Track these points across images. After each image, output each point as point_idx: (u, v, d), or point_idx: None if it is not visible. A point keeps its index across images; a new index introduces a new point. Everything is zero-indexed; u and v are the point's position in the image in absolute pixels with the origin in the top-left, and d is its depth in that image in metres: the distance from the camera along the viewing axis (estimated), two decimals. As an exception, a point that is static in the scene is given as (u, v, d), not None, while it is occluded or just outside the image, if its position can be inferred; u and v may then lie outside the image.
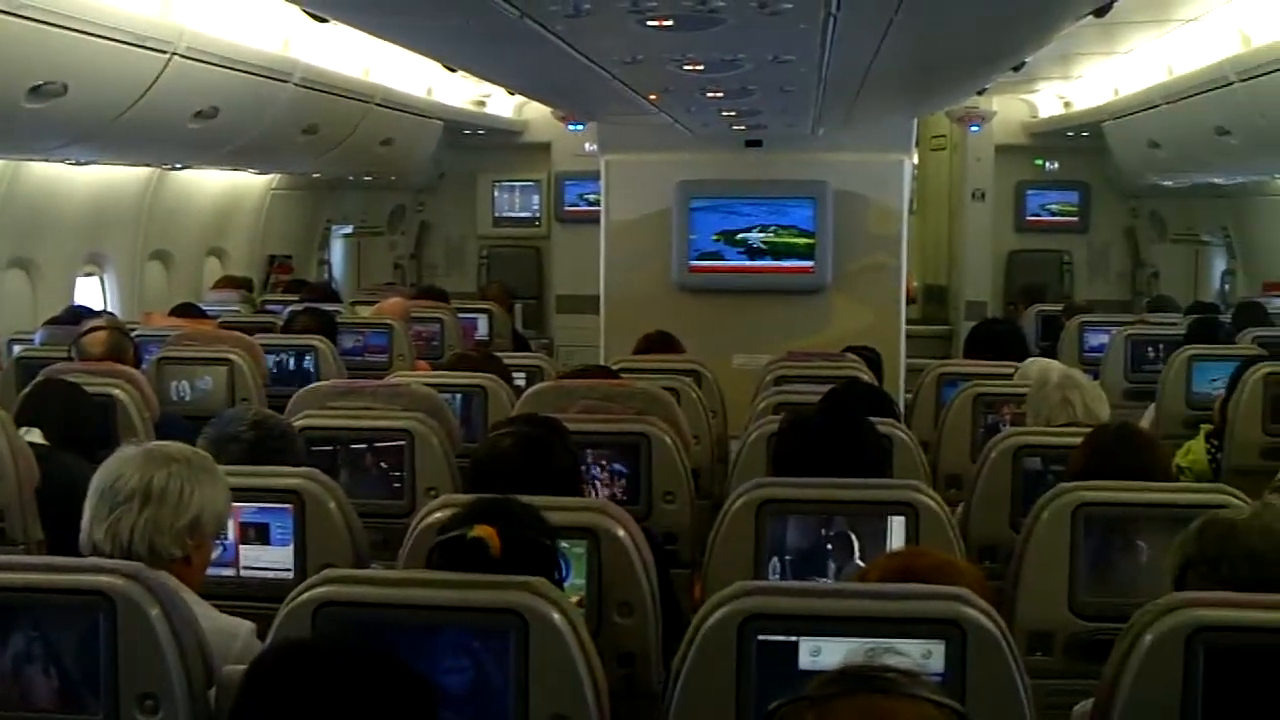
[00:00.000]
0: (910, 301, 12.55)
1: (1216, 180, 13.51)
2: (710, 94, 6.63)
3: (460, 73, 9.40)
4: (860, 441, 4.60)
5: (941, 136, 17.55)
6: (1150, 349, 9.44)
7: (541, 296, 16.90)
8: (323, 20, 5.20)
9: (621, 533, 4.01)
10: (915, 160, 17.32)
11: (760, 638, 2.93)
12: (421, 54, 7.43)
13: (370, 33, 5.69)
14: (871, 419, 5.15)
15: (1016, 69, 7.47)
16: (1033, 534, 4.22)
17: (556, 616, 3.01)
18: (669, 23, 4.15)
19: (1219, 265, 15.80)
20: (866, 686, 2.00)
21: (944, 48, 5.64)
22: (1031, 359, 6.63)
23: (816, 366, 7.69)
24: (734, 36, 4.56)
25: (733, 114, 7.92)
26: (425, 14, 4.51)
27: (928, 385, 7.85)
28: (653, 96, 6.90)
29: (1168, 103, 11.11)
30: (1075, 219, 17.09)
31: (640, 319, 9.54)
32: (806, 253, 10.31)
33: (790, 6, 3.87)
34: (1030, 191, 17.12)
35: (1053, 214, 17.14)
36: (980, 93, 10.18)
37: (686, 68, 5.47)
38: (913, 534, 4.10)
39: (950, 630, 2.88)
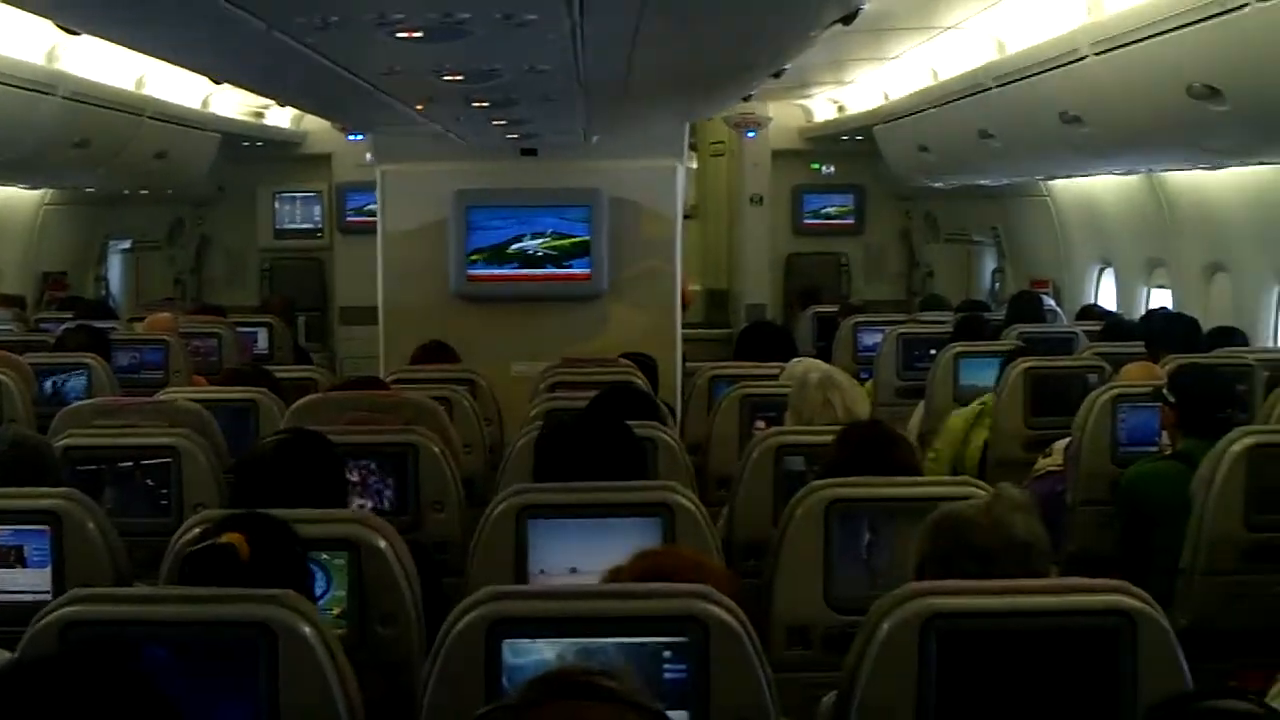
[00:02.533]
0: (685, 306, 12.67)
1: (984, 182, 13.86)
2: (476, 104, 6.64)
3: (228, 85, 9.29)
4: (618, 445, 4.66)
5: (720, 143, 17.76)
6: (920, 348, 9.66)
7: (325, 308, 16.76)
8: (74, 33, 5.12)
9: (382, 543, 4.02)
10: (694, 165, 17.57)
11: (508, 641, 2.97)
12: (180, 66, 7.35)
13: (124, 45, 5.64)
14: (633, 422, 5.24)
15: (777, 75, 7.59)
16: (788, 531, 4.32)
17: (306, 629, 3.02)
18: (418, 34, 4.17)
19: (990, 264, 16.21)
20: (564, 692, 2.02)
21: (696, 56, 5.73)
22: (796, 360, 6.75)
23: (590, 372, 7.75)
24: (487, 47, 4.59)
25: (503, 123, 7.94)
26: (171, 27, 4.48)
27: (699, 388, 7.98)
28: (419, 106, 6.89)
29: (933, 107, 11.38)
30: (851, 221, 17.43)
31: (419, 329, 9.54)
32: (583, 260, 10.38)
33: (535, 18, 3.92)
34: (807, 195, 17.40)
35: (829, 217, 17.44)
36: (747, 98, 10.33)
37: (446, 78, 5.49)
38: (669, 534, 4.16)
39: (693, 627, 2.94)
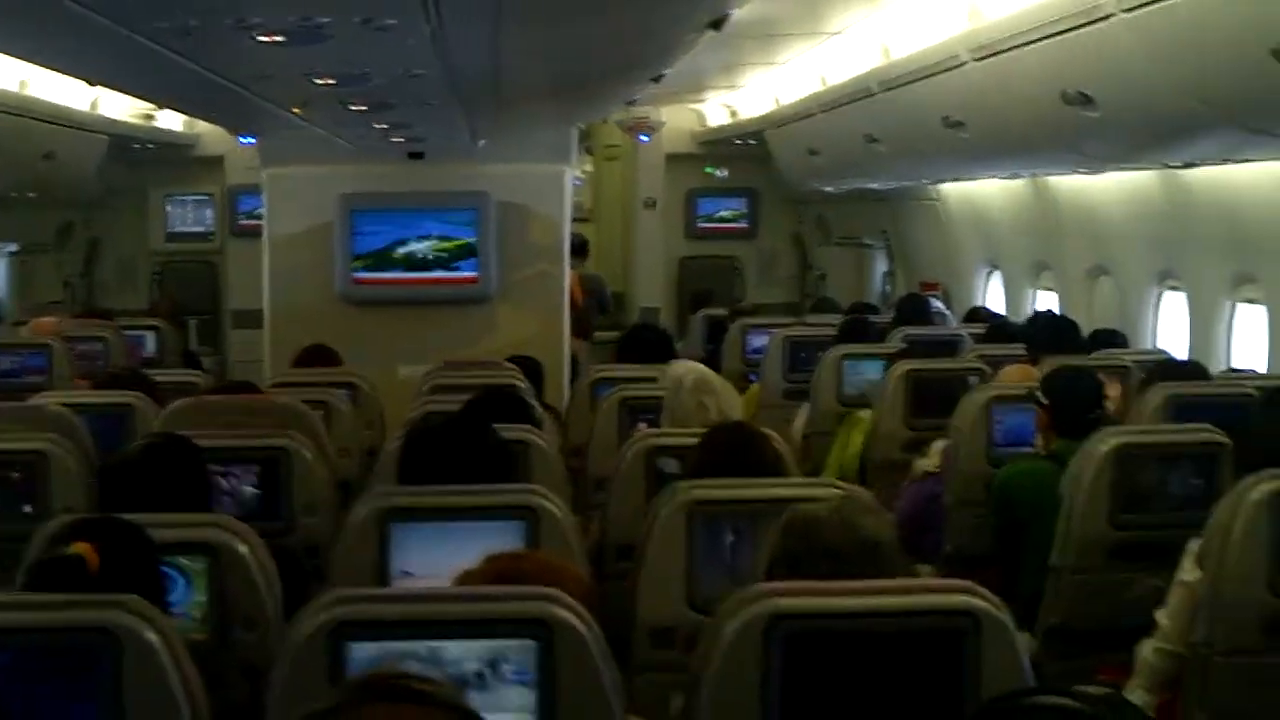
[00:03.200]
0: (575, 308, 12.68)
1: (873, 186, 13.96)
2: (354, 107, 6.62)
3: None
4: (482, 448, 4.65)
5: (615, 146, 17.80)
6: (807, 350, 9.70)
7: (217, 312, 16.60)
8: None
9: (242, 548, 4.01)
10: (590, 169, 17.59)
11: (353, 645, 2.95)
12: (51, 69, 7.27)
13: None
14: (505, 426, 5.24)
15: (657, 80, 7.62)
16: (651, 533, 4.33)
17: (151, 634, 3.00)
18: (280, 38, 4.15)
19: (881, 267, 16.32)
20: (379, 695, 2.02)
21: (565, 61, 5.74)
22: (675, 362, 6.76)
23: (472, 375, 7.73)
24: (353, 51, 4.58)
25: (385, 127, 7.93)
26: (30, 29, 4.44)
27: (582, 390, 8.00)
28: (297, 110, 6.86)
29: (822, 112, 11.44)
30: (744, 225, 17.50)
31: (306, 333, 9.47)
32: (470, 263, 10.38)
33: (393, 22, 3.91)
34: (701, 199, 17.45)
35: (723, 220, 17.50)
36: (632, 102, 10.35)
37: (318, 82, 5.46)
38: (532, 538, 4.16)
39: (540, 630, 2.94)
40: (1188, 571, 4.72)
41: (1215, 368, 9.02)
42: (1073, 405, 6.06)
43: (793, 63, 11.55)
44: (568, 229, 10.88)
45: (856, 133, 10.80)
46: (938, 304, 12.65)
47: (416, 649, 2.93)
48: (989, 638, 2.99)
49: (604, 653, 2.99)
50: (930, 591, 3.09)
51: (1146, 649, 4.88)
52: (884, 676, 2.96)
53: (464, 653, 2.93)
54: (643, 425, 6.42)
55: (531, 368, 8.49)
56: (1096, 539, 5.52)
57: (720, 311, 12.51)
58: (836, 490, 4.23)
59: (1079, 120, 7.02)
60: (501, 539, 4.05)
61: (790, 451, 5.36)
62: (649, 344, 8.77)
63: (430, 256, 10.37)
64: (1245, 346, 9.37)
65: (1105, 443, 5.47)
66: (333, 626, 2.94)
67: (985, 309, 12.22)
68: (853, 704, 2.96)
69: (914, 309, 10.84)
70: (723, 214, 17.50)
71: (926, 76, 8.48)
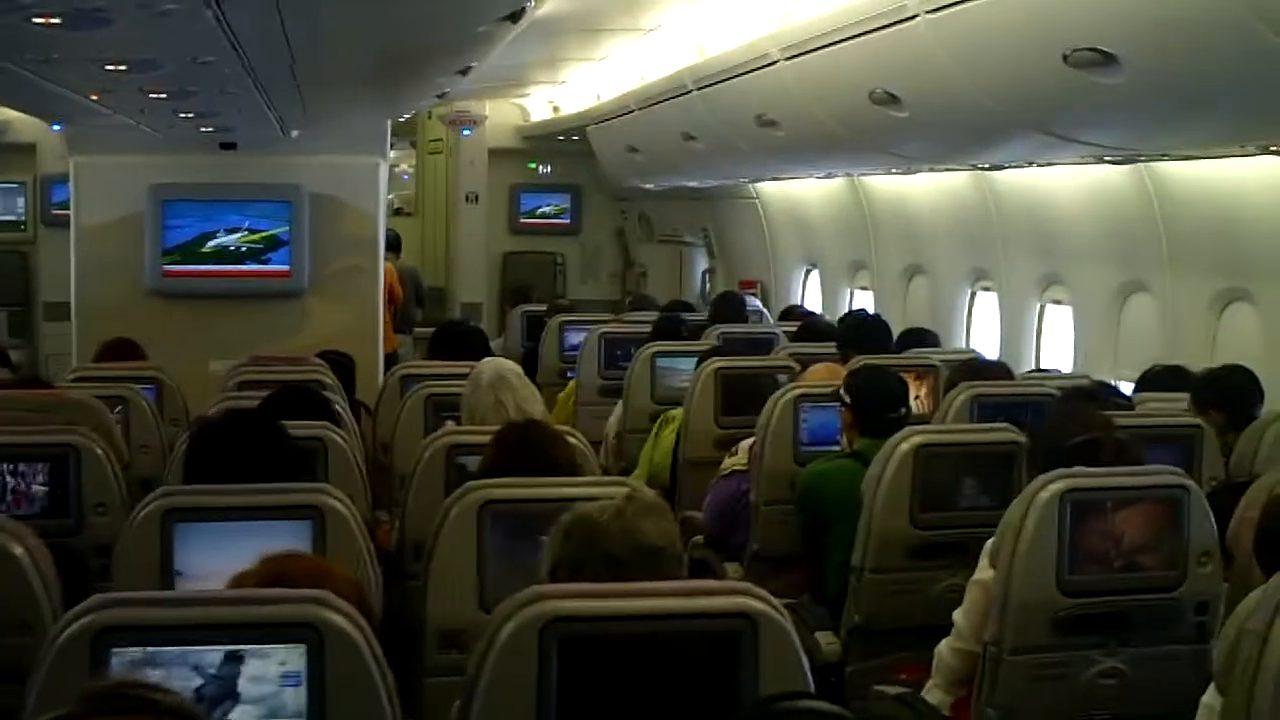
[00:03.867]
0: (392, 303, 12.58)
1: (693, 184, 13.99)
2: (154, 95, 6.46)
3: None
4: (270, 446, 4.56)
5: (439, 140, 17.69)
6: (623, 347, 9.67)
7: (29, 304, 16.18)
8: None
9: (17, 549, 3.87)
10: (412, 163, 17.42)
11: (116, 651, 2.86)
12: None
13: None
14: (302, 423, 5.16)
15: (464, 73, 7.54)
16: (441, 533, 4.26)
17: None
18: (56, 21, 4.02)
19: (701, 265, 16.38)
20: (111, 705, 1.95)
21: (360, 51, 5.65)
22: (486, 359, 6.67)
23: (278, 371, 7.60)
24: (138, 37, 4.46)
25: (190, 116, 7.76)
26: None
27: (392, 385, 7.89)
28: (94, 97, 6.68)
29: (640, 109, 11.43)
30: (568, 221, 17.49)
31: (115, 326, 9.25)
32: (282, 256, 10.23)
33: (174, 7, 3.79)
34: (524, 194, 17.42)
35: (546, 216, 17.48)
36: (442, 96, 10.24)
37: (109, 68, 5.32)
38: (320, 538, 4.08)
39: (309, 634, 2.87)
40: (982, 570, 4.75)
41: (1025, 367, 9.18)
42: (875, 404, 6.09)
43: (613, 58, 11.54)
44: (383, 222, 10.77)
45: (674, 130, 10.81)
46: (755, 302, 12.70)
47: (182, 654, 2.84)
48: (766, 640, 2.96)
49: (376, 655, 2.92)
50: (707, 594, 3.05)
51: (943, 648, 4.91)
52: (661, 679, 2.93)
53: (231, 657, 2.84)
54: (449, 422, 6.34)
55: (341, 363, 8.37)
56: (896, 538, 5.54)
57: (539, 308, 12.43)
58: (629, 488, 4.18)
59: (887, 120, 7.08)
60: (288, 539, 3.97)
61: (590, 450, 5.31)
62: (460, 339, 8.68)
63: (243, 249, 10.20)
64: (1053, 347, 9.53)
65: (905, 442, 5.49)
66: (95, 631, 2.84)
67: (800, 307, 12.30)
68: (629, 707, 2.92)
69: (729, 307, 10.86)
70: (546, 210, 17.48)
71: (739, 75, 8.50)
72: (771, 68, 7.88)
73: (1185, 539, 4.59)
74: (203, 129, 9.04)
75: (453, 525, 4.24)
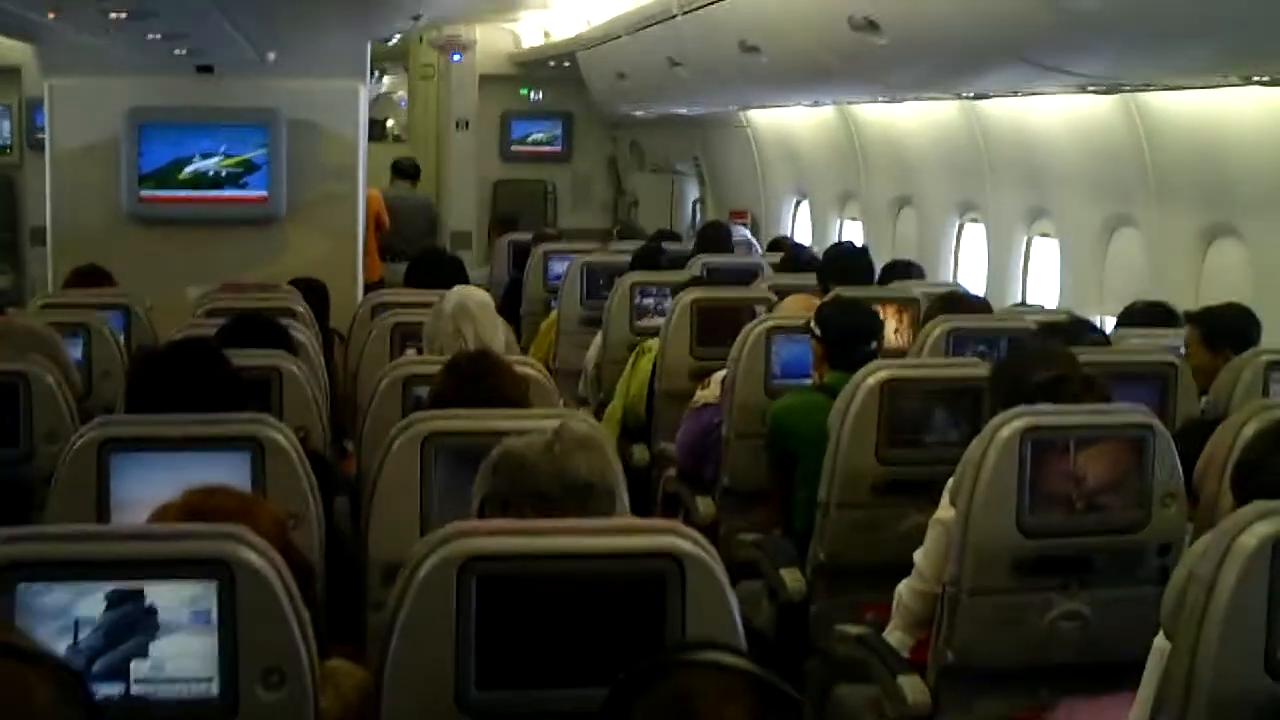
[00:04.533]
0: (379, 229, 12.48)
1: (683, 111, 13.83)
2: (113, 15, 6.32)
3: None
4: (211, 375, 4.45)
5: (430, 65, 17.50)
6: (605, 277, 9.55)
7: (16, 229, 16.03)
8: None
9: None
10: (405, 90, 17.23)
11: (25, 586, 2.76)
12: None
13: None
14: (258, 352, 5.07)
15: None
16: (384, 465, 4.17)
17: None
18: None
19: (693, 194, 16.24)
20: None
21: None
22: (455, 288, 6.53)
23: (250, 298, 7.50)
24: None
25: (158, 37, 7.61)
26: None
27: (363, 315, 7.77)
28: (51, 15, 6.54)
29: (628, 34, 11.29)
30: (559, 148, 17.35)
31: (91, 253, 9.12)
32: (260, 182, 10.10)
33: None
34: (516, 121, 17.26)
35: (538, 144, 17.34)
36: (417, 18, 10.08)
37: (59, -16, 5.19)
38: (259, 470, 3.99)
39: (220, 570, 2.77)
40: (944, 509, 4.65)
41: (1012, 302, 9.10)
42: (846, 337, 5.98)
43: (603, -19, 11.42)
44: (363, 148, 10.64)
45: (660, 56, 10.67)
46: (745, 233, 12.58)
47: (92, 589, 2.75)
48: (694, 581, 2.86)
49: (291, 593, 2.83)
50: (633, 533, 2.94)
51: (903, 588, 4.81)
52: (584, 620, 2.83)
53: (140, 594, 2.75)
54: (410, 351, 6.24)
55: (315, 288, 8.27)
56: (862, 474, 5.43)
57: (525, 237, 12.31)
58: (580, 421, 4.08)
59: (867, 46, 6.95)
60: (225, 471, 3.86)
61: (548, 379, 5.19)
62: (438, 268, 8.56)
63: (221, 174, 10.07)
64: (1041, 281, 9.43)
65: (871, 376, 5.37)
66: (2, 568, 2.74)
67: (788, 239, 12.17)
68: (551, 647, 2.82)
69: (713, 237, 10.74)
70: (537, 137, 17.34)
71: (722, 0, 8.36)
72: (753, -7, 7.76)
73: (1149, 479, 4.48)
74: (176, 51, 8.89)
75: (395, 457, 4.13)
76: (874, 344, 6.06)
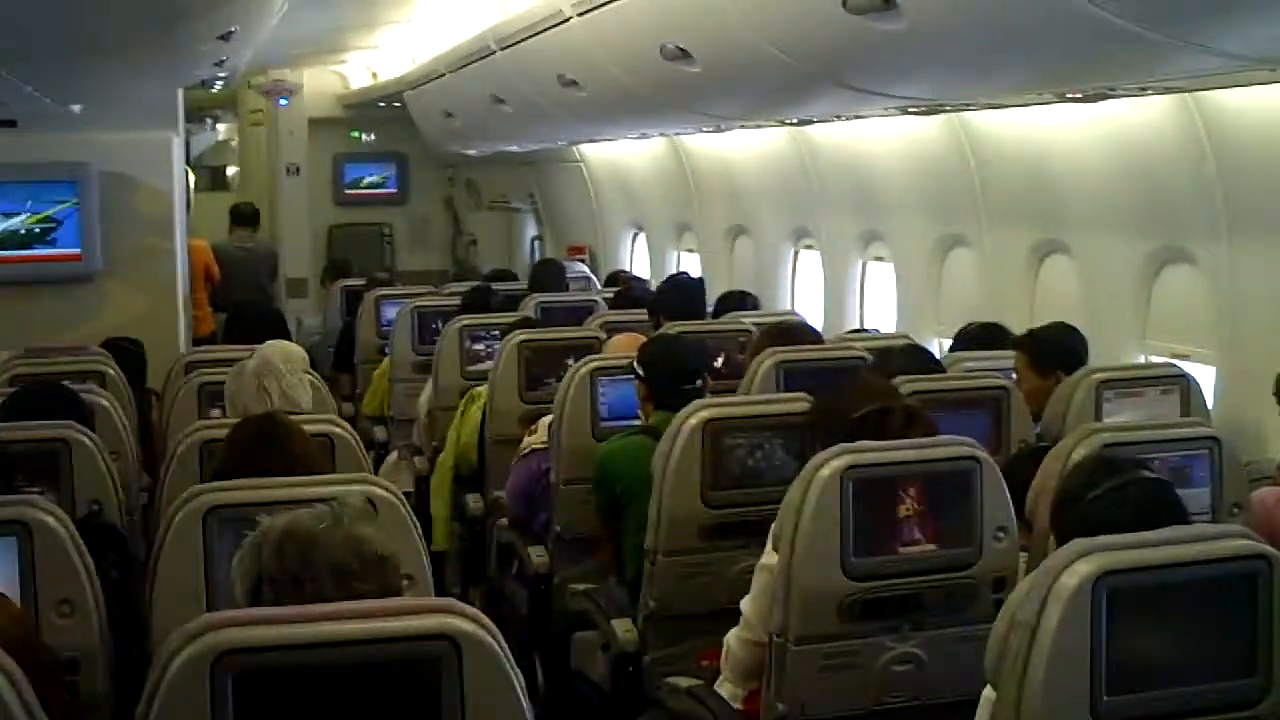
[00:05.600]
0: (209, 281, 12.17)
1: (513, 148, 13.63)
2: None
3: None
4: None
5: (259, 111, 17.17)
6: (438, 321, 9.30)
7: None
8: None
9: None
10: (238, 134, 16.82)
11: None
12: None
13: None
14: (48, 423, 4.84)
15: (225, 38, 7.11)
16: (166, 541, 3.89)
17: None
18: None
19: (530, 231, 16.06)
20: None
21: (87, 14, 5.23)
22: (267, 343, 6.25)
23: (57, 363, 7.15)
24: None
25: (-55, 90, 7.29)
26: None
27: (176, 373, 7.45)
28: None
29: (450, 72, 11.07)
30: (394, 190, 17.11)
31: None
32: (71, 239, 9.75)
33: None
34: (347, 164, 16.99)
35: (372, 186, 17.07)
36: (220, 64, 9.75)
37: None
38: (27, 555, 3.72)
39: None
40: (768, 555, 4.45)
41: (849, 327, 8.99)
42: (668, 375, 5.80)
43: (422, 20, 11.19)
44: (180, 200, 10.33)
45: (484, 93, 10.47)
46: (582, 268, 12.40)
47: None
48: (472, 663, 2.63)
49: (26, 702, 2.56)
50: (406, 614, 2.69)
51: (731, 639, 4.61)
52: (355, 712, 2.58)
53: None
54: (215, 412, 5.96)
55: (129, 351, 7.96)
56: (688, 519, 5.21)
57: (359, 282, 12.03)
58: (371, 486, 3.85)
59: (682, 76, 6.78)
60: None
61: (353, 437, 4.94)
62: (256, 321, 8.29)
63: (25, 233, 9.71)
64: (877, 305, 9.35)
65: (693, 416, 5.16)
66: None
67: (624, 273, 12.00)
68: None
69: (547, 275, 10.54)
70: (371, 179, 17.07)
71: (538, 34, 8.16)
72: (566, 25, 7.54)
73: (978, 514, 4.31)
74: (-28, 105, 8.56)
75: (176, 533, 3.86)
76: (699, 381, 5.86)
